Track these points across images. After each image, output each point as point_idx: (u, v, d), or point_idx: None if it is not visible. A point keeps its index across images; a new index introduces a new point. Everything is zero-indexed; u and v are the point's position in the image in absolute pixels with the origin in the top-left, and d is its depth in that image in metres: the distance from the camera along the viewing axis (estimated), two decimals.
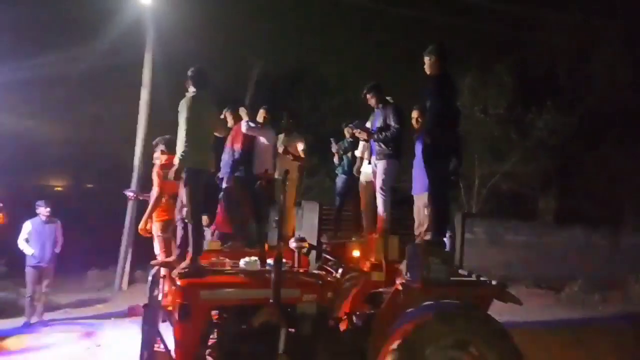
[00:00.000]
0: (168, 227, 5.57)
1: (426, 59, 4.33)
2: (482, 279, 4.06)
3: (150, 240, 5.81)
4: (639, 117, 12.83)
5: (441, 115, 4.05)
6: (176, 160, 4.14)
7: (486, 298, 3.92)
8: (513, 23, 13.41)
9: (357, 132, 5.42)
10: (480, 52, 12.91)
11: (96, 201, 13.75)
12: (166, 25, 10.46)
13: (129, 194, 7.24)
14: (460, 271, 4.19)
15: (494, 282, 3.91)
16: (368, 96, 5.35)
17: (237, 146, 5.72)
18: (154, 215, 5.67)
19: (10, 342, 6.25)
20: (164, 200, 5.59)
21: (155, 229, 5.72)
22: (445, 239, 4.22)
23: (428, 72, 4.28)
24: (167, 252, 5.53)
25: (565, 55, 13.75)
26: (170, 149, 5.70)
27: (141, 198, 6.80)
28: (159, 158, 5.82)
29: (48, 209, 7.20)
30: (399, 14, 14.36)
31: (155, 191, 5.63)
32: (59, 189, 18.63)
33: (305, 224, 8.61)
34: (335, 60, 15.15)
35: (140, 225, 5.73)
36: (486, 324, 3.69)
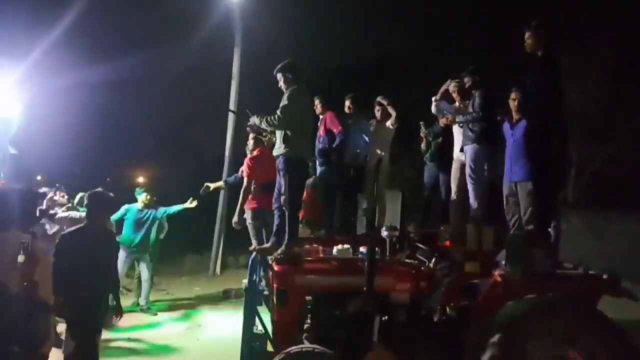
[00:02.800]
0: (259, 215, 5.80)
1: (527, 35, 4.08)
2: (590, 272, 3.79)
3: (242, 228, 6.07)
4: None
5: (545, 96, 3.80)
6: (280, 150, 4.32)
7: (596, 292, 3.66)
8: None
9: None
10: (580, 28, 11.87)
11: (190, 190, 14.59)
12: (253, 20, 10.81)
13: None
14: (565, 264, 3.94)
15: (604, 276, 3.63)
16: (466, 79, 5.16)
17: (325, 134, 5.79)
18: (246, 205, 5.92)
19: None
20: (253, 189, 5.82)
21: (247, 217, 5.97)
22: (549, 230, 3.98)
23: (529, 50, 4.03)
24: (259, 239, 5.76)
25: None
26: (261, 139, 5.94)
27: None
28: (251, 147, 6.05)
29: (149, 197, 7.49)
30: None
31: (245, 182, 5.87)
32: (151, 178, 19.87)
33: (389, 213, 8.54)
34: (416, 50, 14.76)
35: (234, 219, 6.02)
36: (595, 319, 3.46)
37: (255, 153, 5.95)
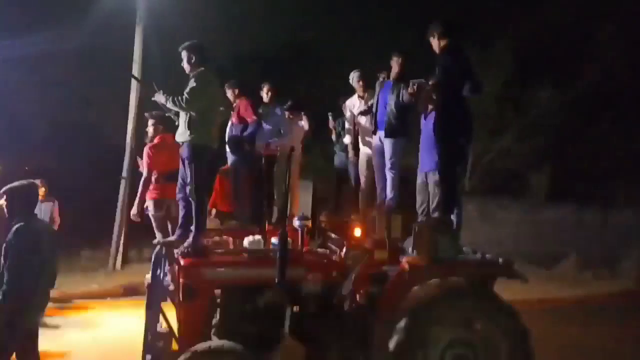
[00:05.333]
0: (161, 206, 5.48)
1: (431, 40, 4.23)
2: (487, 257, 4.05)
3: (144, 219, 5.71)
4: (634, 97, 12.85)
5: (454, 89, 3.96)
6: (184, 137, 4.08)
7: (492, 276, 3.92)
8: None
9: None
10: (477, 28, 12.74)
11: (87, 181, 13.52)
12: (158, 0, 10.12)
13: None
14: (465, 249, 4.17)
15: (500, 260, 3.89)
16: (395, 58, 5.05)
17: (238, 122, 5.62)
18: (147, 195, 5.56)
19: None
20: (153, 179, 5.48)
21: (149, 209, 5.61)
22: (452, 217, 4.18)
23: (437, 49, 4.18)
24: (163, 231, 5.45)
25: (564, 34, 13.63)
26: (163, 125, 5.58)
27: None
28: (151, 134, 5.67)
29: (44, 189, 7.03)
30: None
31: (145, 172, 5.51)
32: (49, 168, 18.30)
33: (300, 203, 8.58)
34: (333, 38, 14.88)
35: (133, 211, 5.63)
36: (491, 301, 3.70)
37: (155, 141, 5.59)
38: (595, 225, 12.48)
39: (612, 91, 13.44)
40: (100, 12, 10.19)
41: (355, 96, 5.80)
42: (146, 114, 5.82)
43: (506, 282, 3.98)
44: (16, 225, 3.59)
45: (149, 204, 5.53)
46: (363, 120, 5.65)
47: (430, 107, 4.45)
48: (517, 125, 13.56)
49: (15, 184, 3.80)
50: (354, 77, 5.72)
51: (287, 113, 5.99)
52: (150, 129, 5.68)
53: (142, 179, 5.53)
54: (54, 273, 3.86)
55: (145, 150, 5.58)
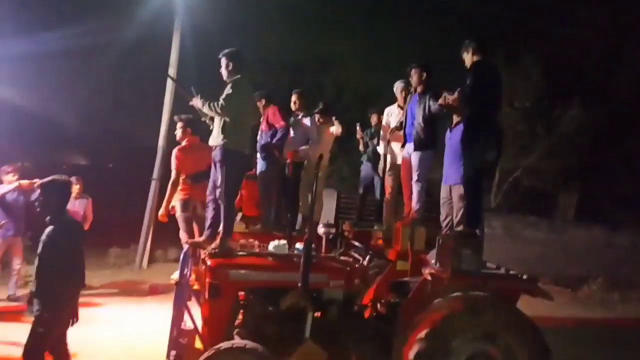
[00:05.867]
0: (188, 206, 5.62)
1: (464, 54, 4.27)
2: (511, 272, 4.03)
3: (170, 220, 5.86)
4: None
5: (481, 104, 3.99)
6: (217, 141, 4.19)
7: (516, 292, 3.90)
8: (542, 14, 13.10)
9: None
10: (507, 43, 12.65)
11: (118, 180, 13.89)
12: (196, 3, 10.41)
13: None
14: (488, 264, 4.16)
15: (524, 276, 3.87)
16: (412, 72, 5.09)
17: (268, 129, 5.74)
18: (175, 195, 5.72)
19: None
20: (181, 180, 5.64)
21: (177, 209, 5.76)
22: (477, 231, 4.19)
23: (468, 63, 4.22)
24: (189, 231, 5.59)
25: (595, 51, 13.42)
26: (191, 128, 5.76)
27: None
28: (179, 136, 5.85)
29: (79, 186, 7.28)
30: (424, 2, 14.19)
31: (173, 174, 5.67)
32: (83, 164, 18.83)
33: (324, 211, 8.64)
34: (361, 49, 15.03)
35: (160, 211, 5.79)
36: (515, 318, 3.68)
37: (183, 144, 5.75)
38: (624, 247, 12.14)
39: None
40: (139, 14, 10.54)
41: (395, 105, 5.80)
42: (175, 117, 6.01)
43: (531, 300, 3.96)
44: (50, 227, 3.58)
45: (177, 204, 5.69)
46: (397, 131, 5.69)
47: (456, 120, 4.47)
48: (546, 143, 13.34)
49: (50, 178, 3.81)
50: (397, 87, 5.71)
51: (317, 117, 5.99)
52: (178, 132, 5.85)
53: (171, 180, 5.69)
54: (83, 273, 3.84)
55: (174, 152, 5.75)
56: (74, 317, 3.76)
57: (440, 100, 4.40)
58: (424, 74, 5.05)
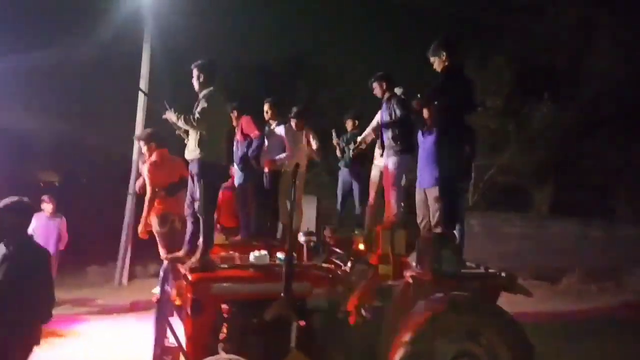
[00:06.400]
0: (166, 220, 5.55)
1: (433, 58, 4.33)
2: (490, 270, 4.10)
3: (150, 235, 5.78)
4: (635, 111, 12.95)
5: (450, 107, 4.06)
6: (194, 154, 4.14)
7: (496, 289, 3.97)
8: (511, 13, 13.41)
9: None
10: (477, 43, 12.91)
11: (92, 196, 13.63)
12: (164, 15, 10.34)
13: None
14: (468, 264, 4.22)
15: (503, 274, 3.94)
16: (374, 85, 5.26)
17: (243, 139, 5.71)
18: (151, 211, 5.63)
19: None
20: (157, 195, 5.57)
21: (154, 224, 5.68)
22: (455, 232, 4.25)
23: (438, 69, 4.28)
24: (167, 246, 5.51)
25: (565, 48, 13.80)
26: (154, 142, 5.70)
27: None
28: (145, 154, 5.78)
29: (51, 205, 7.16)
30: (396, 2, 14.36)
31: (148, 190, 5.58)
32: (55, 183, 18.40)
33: (304, 218, 8.64)
34: (335, 51, 15.09)
35: (140, 228, 5.70)
36: (496, 315, 3.74)
37: (154, 158, 5.68)
38: (599, 238, 12.47)
39: (612, 103, 13.55)
40: (108, 27, 10.40)
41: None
42: (134, 138, 5.94)
43: (511, 296, 4.03)
44: (5, 249, 3.28)
45: (153, 220, 5.61)
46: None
47: (428, 123, 4.54)
48: (518, 140, 13.63)
49: (5, 200, 3.48)
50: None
51: (293, 122, 5.99)
52: (144, 149, 5.79)
53: (147, 197, 5.59)
54: (48, 302, 3.43)
55: (145, 168, 5.67)
56: (34, 343, 3.41)
57: (414, 104, 4.47)
58: (384, 84, 5.20)
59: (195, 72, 4.29)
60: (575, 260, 11.26)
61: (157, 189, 5.51)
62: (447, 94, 4.09)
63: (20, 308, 3.22)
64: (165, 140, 5.62)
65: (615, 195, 13.97)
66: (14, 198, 3.51)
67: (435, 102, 4.22)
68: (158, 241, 5.62)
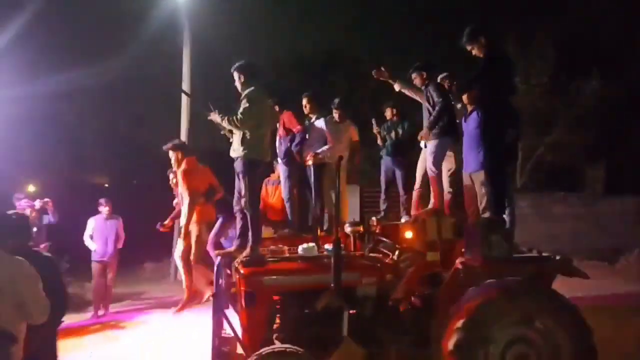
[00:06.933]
0: (210, 227, 5.81)
1: (469, 47, 4.26)
2: (544, 254, 4.01)
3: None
4: None
5: (493, 91, 3.98)
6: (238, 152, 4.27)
7: (550, 273, 3.87)
8: None
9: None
10: (519, 19, 12.45)
11: (144, 196, 14.20)
12: (201, 16, 10.59)
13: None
14: (520, 248, 4.14)
15: (557, 257, 3.85)
16: (413, 76, 5.28)
17: (286, 134, 5.79)
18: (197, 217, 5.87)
19: (80, 334, 6.60)
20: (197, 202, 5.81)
21: (197, 231, 5.91)
22: (504, 216, 4.17)
23: (480, 55, 4.20)
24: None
25: (611, 22, 13.08)
26: (181, 151, 5.93)
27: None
28: (175, 163, 6.00)
29: (108, 208, 7.56)
30: None
31: (186, 198, 5.80)
32: (106, 185, 19.32)
33: (348, 208, 8.65)
34: (370, 43, 14.96)
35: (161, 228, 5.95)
36: (551, 299, 3.66)
37: (184, 166, 5.86)
38: None
39: None
40: (148, 35, 10.77)
41: None
42: (164, 148, 6.15)
43: (568, 279, 3.92)
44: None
45: (194, 227, 5.84)
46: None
47: (470, 108, 4.47)
48: (566, 118, 13.09)
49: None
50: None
51: (335, 114, 6.00)
52: (172, 157, 6.01)
53: (186, 206, 5.80)
54: (57, 309, 3.30)
55: (179, 177, 5.88)
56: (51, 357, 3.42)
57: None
58: (424, 74, 5.19)
59: (236, 75, 4.41)
60: (633, 240, 10.75)
61: (195, 197, 5.70)
62: (491, 79, 4.00)
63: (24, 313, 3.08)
64: (192, 150, 5.82)
65: None
66: (5, 213, 3.50)
67: (474, 88, 4.14)
68: (195, 248, 5.85)
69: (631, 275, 9.40)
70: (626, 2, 12.89)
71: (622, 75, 12.83)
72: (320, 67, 15.85)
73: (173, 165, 6.09)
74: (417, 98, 5.42)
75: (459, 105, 5.20)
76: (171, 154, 6.03)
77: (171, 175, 6.61)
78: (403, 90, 5.52)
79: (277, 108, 5.89)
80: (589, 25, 13.09)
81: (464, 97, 4.81)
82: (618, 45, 13.06)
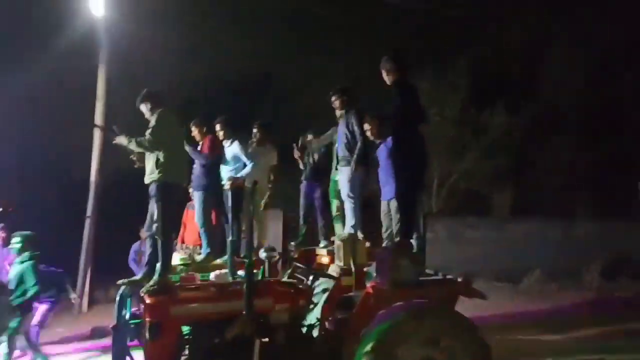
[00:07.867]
0: None
1: (383, 71, 4.44)
2: (448, 276, 4.20)
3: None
4: (587, 114, 13.62)
5: (404, 120, 4.17)
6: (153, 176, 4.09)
7: (453, 295, 4.06)
8: (465, 24, 13.89)
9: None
10: (433, 53, 13.30)
11: (50, 220, 13.17)
12: (119, 36, 10.20)
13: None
14: (427, 271, 4.31)
15: (459, 279, 4.05)
16: (333, 99, 5.30)
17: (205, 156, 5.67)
18: None
19: None
20: None
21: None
22: (412, 241, 4.34)
23: (388, 83, 4.39)
24: None
25: (518, 56, 14.41)
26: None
27: None
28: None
29: (4, 234, 6.92)
30: (350, 19, 14.61)
31: None
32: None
33: (271, 232, 8.58)
34: (296, 67, 15.15)
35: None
36: (453, 320, 3.82)
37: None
38: (558, 238, 12.92)
39: (568, 108, 14.21)
40: (65, 49, 10.21)
41: None
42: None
43: (476, 300, 4.12)
44: None
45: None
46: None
47: (378, 140, 4.66)
48: (476, 147, 14.08)
49: None
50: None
51: (255, 133, 6.00)
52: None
53: None
54: None
55: None
56: None
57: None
58: (344, 98, 5.25)
59: (142, 107, 4.31)
60: (536, 261, 11.58)
61: None
62: (397, 107, 4.20)
63: None
64: None
65: (572, 195, 14.54)
66: None
67: (377, 116, 4.34)
68: None
69: (532, 294, 10.10)
70: (532, 38, 14.21)
71: (525, 106, 14.06)
72: (247, 89, 15.81)
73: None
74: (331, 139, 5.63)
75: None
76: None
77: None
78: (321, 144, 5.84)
79: (203, 129, 5.77)
80: (496, 59, 14.29)
81: (365, 126, 4.98)
82: (524, 77, 14.36)
